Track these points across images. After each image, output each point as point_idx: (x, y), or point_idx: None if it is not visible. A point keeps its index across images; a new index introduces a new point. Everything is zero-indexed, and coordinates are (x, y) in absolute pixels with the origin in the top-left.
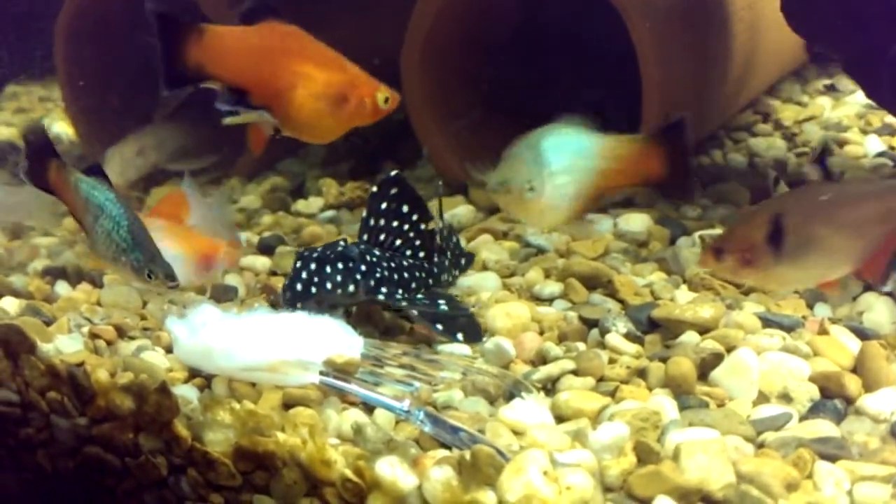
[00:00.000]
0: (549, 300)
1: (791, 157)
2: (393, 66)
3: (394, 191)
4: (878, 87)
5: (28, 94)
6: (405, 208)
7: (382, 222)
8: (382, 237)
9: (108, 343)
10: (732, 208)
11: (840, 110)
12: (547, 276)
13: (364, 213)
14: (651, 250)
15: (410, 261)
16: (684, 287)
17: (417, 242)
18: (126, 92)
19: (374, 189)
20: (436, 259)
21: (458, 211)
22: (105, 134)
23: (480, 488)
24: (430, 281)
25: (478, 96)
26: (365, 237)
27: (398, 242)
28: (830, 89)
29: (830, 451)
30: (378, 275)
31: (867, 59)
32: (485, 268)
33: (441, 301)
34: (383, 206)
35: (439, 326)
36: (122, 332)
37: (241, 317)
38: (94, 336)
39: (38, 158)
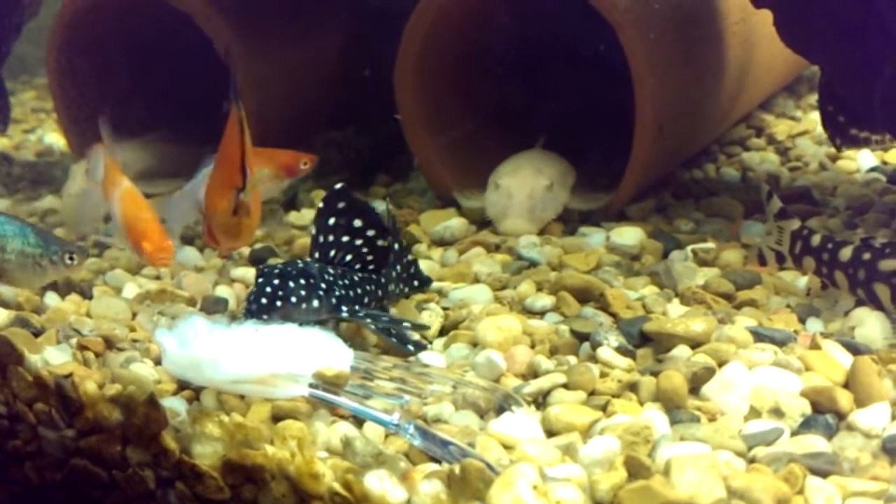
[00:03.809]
0: (541, 313)
1: (784, 171)
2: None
3: (341, 205)
4: (869, 103)
5: (21, 105)
6: (357, 223)
7: (332, 238)
8: (332, 253)
9: (97, 354)
10: (725, 222)
11: None
12: (539, 289)
13: (313, 231)
14: (643, 264)
15: (362, 275)
16: (676, 301)
17: (369, 257)
18: (118, 103)
19: (320, 205)
20: (383, 271)
21: (451, 223)
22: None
23: (470, 502)
24: (380, 293)
25: (471, 109)
26: (316, 255)
27: (349, 258)
28: None
29: (822, 467)
30: (338, 293)
31: (859, 74)
32: (476, 280)
33: (385, 317)
34: (330, 221)
35: (394, 340)
36: (110, 344)
37: (230, 329)
38: (82, 347)
39: None
